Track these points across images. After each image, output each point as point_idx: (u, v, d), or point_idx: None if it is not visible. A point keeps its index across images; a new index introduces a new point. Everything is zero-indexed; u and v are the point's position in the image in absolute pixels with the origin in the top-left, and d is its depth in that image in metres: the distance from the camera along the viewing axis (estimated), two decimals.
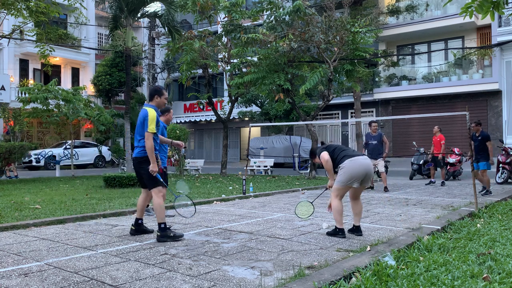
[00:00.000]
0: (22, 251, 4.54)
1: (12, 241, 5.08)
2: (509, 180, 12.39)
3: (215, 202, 8.70)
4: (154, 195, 5.10)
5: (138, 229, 5.38)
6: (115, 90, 29.21)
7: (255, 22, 18.62)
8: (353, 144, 24.62)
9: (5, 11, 14.21)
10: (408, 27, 22.44)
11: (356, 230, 5.26)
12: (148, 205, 6.85)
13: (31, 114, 17.01)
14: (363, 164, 5.08)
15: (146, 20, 27.80)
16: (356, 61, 14.58)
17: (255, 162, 19.06)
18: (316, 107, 20.56)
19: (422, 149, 14.93)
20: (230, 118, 19.72)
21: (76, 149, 21.96)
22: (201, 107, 22.59)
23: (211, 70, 17.65)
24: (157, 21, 24.19)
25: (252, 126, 11.48)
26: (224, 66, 17.93)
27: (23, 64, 27.35)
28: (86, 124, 25.35)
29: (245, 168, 11.43)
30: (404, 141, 22.84)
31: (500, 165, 12.29)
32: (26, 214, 6.79)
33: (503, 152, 12.38)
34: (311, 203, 6.33)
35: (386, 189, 10.73)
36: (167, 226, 5.09)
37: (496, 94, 20.95)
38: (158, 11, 21.80)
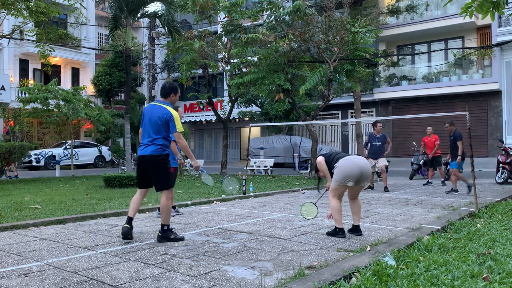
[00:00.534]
0: (22, 251, 4.54)
1: (12, 241, 5.07)
2: (509, 180, 12.39)
3: (215, 202, 8.70)
4: (164, 196, 4.97)
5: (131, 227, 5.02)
6: (115, 90, 29.22)
7: (255, 22, 18.62)
8: (353, 144, 24.63)
9: (5, 11, 14.20)
10: (408, 27, 22.44)
11: (355, 230, 5.27)
12: (175, 206, 7.04)
13: (31, 114, 17.00)
14: (357, 163, 5.12)
15: (146, 20, 27.84)
16: (356, 61, 14.57)
17: (255, 162, 19.06)
18: (316, 107, 20.56)
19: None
20: (230, 118, 19.73)
21: (76, 149, 21.97)
22: (201, 107, 22.60)
23: (211, 70, 17.64)
24: (157, 21, 24.22)
25: (252, 126, 11.48)
26: (224, 66, 17.93)
27: (23, 64, 27.36)
28: (86, 124, 25.35)
29: (245, 168, 11.43)
30: (404, 141, 22.84)
31: (500, 165, 12.29)
32: (26, 214, 6.79)
33: (503, 152, 12.38)
34: (315, 204, 6.32)
35: (386, 189, 10.72)
36: (170, 228, 5.08)
37: (496, 94, 20.95)
38: (158, 11, 21.81)
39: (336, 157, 5.33)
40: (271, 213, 7.25)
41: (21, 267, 3.94)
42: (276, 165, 20.97)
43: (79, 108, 16.76)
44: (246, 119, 28.24)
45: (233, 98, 18.14)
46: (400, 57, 23.78)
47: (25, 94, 19.38)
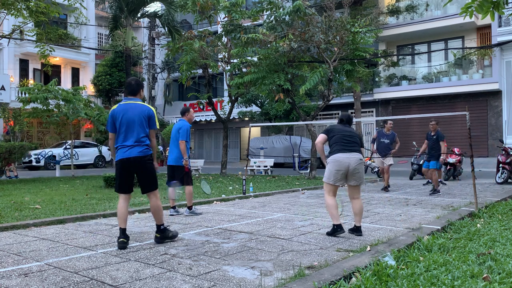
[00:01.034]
0: (22, 251, 4.54)
1: (12, 241, 5.07)
2: (509, 180, 12.39)
3: (215, 202, 8.70)
4: (154, 196, 4.92)
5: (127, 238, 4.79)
6: (115, 90, 29.21)
7: (255, 22, 18.62)
8: None
9: (5, 11, 14.21)
10: (408, 27, 22.43)
11: (356, 230, 5.27)
12: (175, 206, 7.23)
13: (31, 114, 17.00)
14: (342, 163, 5.13)
15: (146, 20, 27.87)
16: (356, 61, 14.57)
17: (255, 162, 19.06)
18: (316, 107, 20.56)
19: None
20: (230, 118, 19.72)
21: (76, 149, 21.96)
22: (201, 107, 22.59)
23: (211, 70, 17.64)
24: (157, 21, 24.22)
25: (252, 126, 11.47)
26: (224, 66, 17.92)
27: (23, 64, 27.36)
28: (86, 124, 25.33)
29: (245, 168, 11.43)
30: (404, 141, 22.80)
31: (500, 165, 12.29)
32: (26, 214, 6.79)
33: (503, 152, 12.38)
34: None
35: (386, 189, 10.73)
36: (166, 226, 5.07)
37: (496, 94, 20.95)
38: (158, 11, 21.82)
39: (333, 147, 5.27)
40: (271, 213, 7.25)
41: (21, 267, 3.94)
42: (276, 165, 20.96)
43: (79, 108, 16.76)
44: (246, 119, 28.24)
45: (233, 98, 18.14)
46: (400, 57, 23.78)
47: (25, 94, 19.38)
